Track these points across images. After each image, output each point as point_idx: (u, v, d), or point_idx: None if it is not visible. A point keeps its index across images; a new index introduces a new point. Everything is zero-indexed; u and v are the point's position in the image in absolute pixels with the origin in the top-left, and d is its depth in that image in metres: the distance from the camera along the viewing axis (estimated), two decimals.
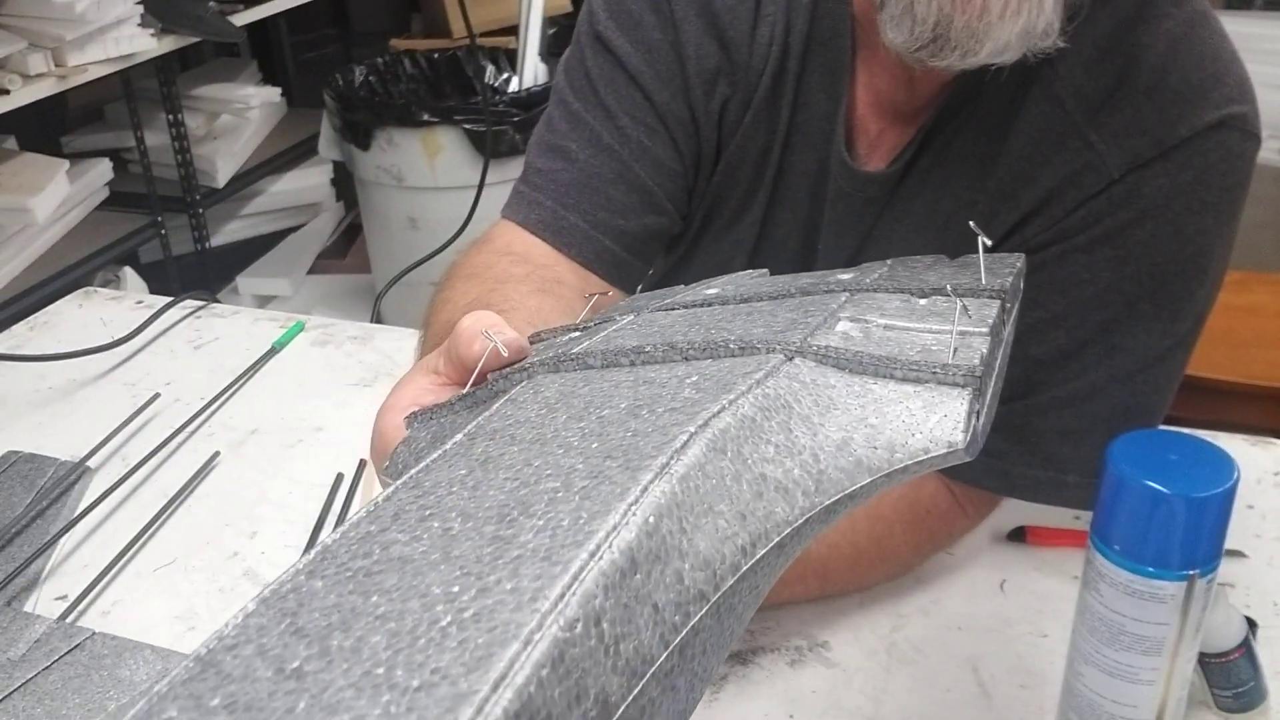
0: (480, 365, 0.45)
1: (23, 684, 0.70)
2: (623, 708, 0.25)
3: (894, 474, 0.35)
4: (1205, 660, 0.64)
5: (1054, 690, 0.64)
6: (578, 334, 0.51)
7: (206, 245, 2.75)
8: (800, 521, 0.33)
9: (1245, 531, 0.81)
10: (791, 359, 0.38)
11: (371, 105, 2.40)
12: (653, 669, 0.26)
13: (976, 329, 0.39)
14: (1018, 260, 0.48)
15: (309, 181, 3.06)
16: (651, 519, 0.28)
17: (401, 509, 0.31)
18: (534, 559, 0.27)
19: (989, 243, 0.46)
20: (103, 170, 2.48)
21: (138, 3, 2.20)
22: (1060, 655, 0.62)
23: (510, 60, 2.67)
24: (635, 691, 0.26)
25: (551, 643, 0.24)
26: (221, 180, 2.72)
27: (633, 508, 0.28)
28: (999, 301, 0.41)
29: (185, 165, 2.63)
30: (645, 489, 0.29)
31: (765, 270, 0.56)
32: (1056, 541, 0.80)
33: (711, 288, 0.52)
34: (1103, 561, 0.56)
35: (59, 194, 2.30)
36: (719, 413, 0.34)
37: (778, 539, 0.32)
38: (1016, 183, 0.70)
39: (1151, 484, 0.53)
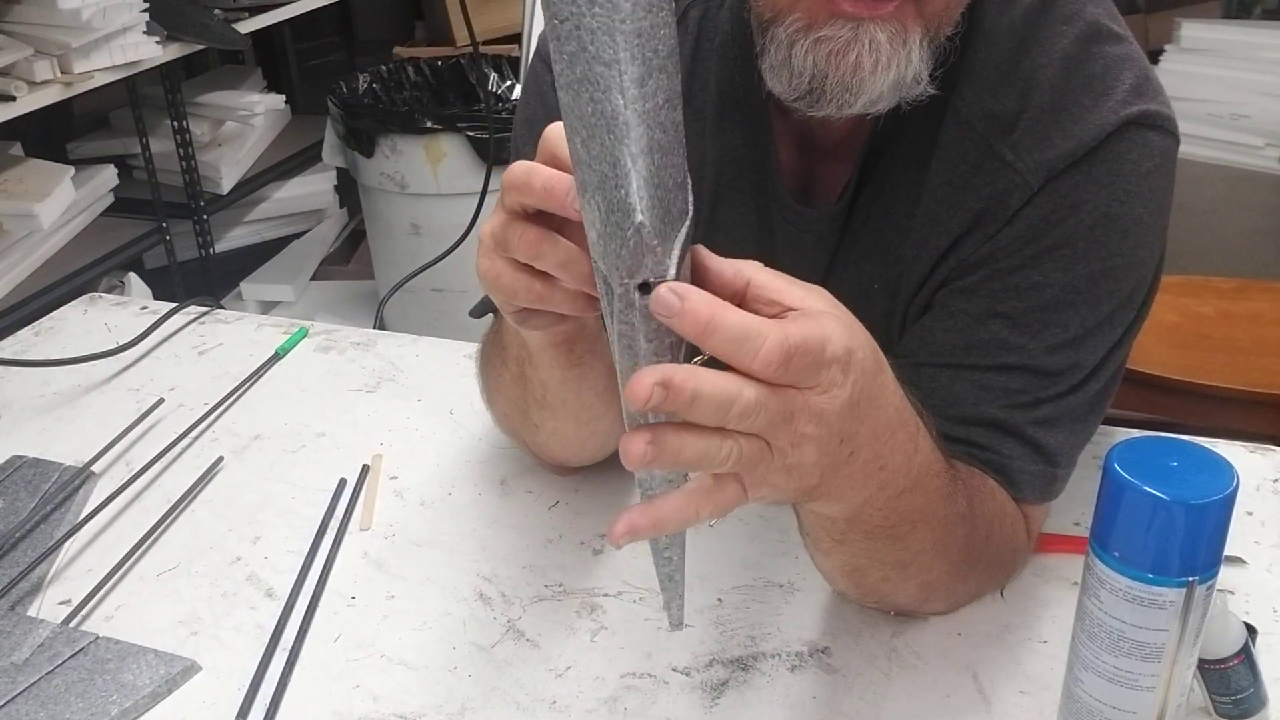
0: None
1: (26, 688, 0.70)
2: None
3: None
4: (1205, 667, 0.64)
5: (1053, 696, 0.64)
6: None
7: (211, 251, 2.76)
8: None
9: (1244, 538, 0.81)
10: None
11: (375, 112, 2.41)
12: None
13: None
14: None
15: (313, 188, 3.06)
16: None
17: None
18: None
19: None
20: (108, 177, 2.49)
21: (143, 10, 2.21)
22: (1060, 661, 0.63)
23: (513, 68, 2.68)
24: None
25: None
26: (226, 187, 2.73)
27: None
28: None
29: (190, 172, 2.64)
30: None
31: None
32: (1056, 548, 0.80)
33: None
34: (1102, 568, 0.56)
35: (64, 200, 2.31)
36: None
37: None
38: (942, 208, 0.72)
39: (1151, 490, 0.53)
